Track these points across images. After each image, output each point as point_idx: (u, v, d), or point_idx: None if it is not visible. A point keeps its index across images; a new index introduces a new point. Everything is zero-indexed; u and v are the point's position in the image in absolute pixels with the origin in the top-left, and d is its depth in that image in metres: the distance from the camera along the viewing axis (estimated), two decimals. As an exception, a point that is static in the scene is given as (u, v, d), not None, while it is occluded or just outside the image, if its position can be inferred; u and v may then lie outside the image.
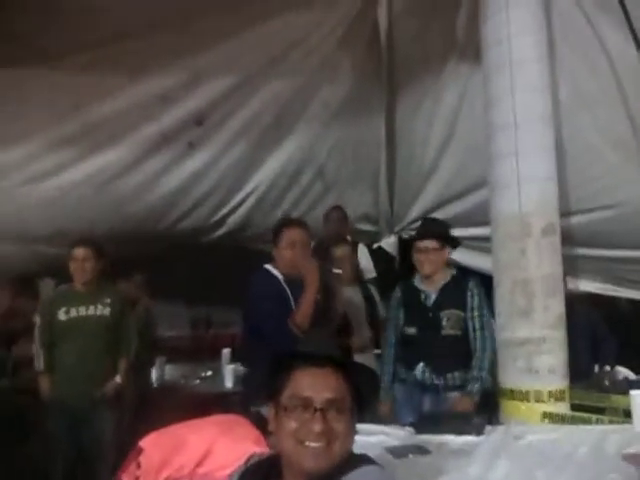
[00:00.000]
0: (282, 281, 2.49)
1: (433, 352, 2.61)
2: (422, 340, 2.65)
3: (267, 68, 3.26)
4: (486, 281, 2.66)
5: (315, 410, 1.01)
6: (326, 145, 3.64)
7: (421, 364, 2.63)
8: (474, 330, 2.57)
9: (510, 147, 2.31)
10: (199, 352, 4.59)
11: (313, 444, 1.00)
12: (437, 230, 2.74)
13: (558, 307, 2.28)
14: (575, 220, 3.39)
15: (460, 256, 3.83)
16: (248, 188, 3.82)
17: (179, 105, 3.34)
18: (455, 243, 2.75)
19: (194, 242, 4.17)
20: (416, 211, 3.87)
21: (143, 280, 4.02)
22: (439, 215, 3.74)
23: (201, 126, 3.47)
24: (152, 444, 1.81)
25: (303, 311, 2.38)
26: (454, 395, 2.56)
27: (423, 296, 2.70)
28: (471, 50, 2.88)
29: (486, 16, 2.46)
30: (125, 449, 1.93)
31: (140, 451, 1.82)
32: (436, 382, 2.59)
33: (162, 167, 3.60)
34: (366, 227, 4.20)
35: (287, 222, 2.61)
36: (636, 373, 3.45)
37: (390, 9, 3.11)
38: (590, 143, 3.02)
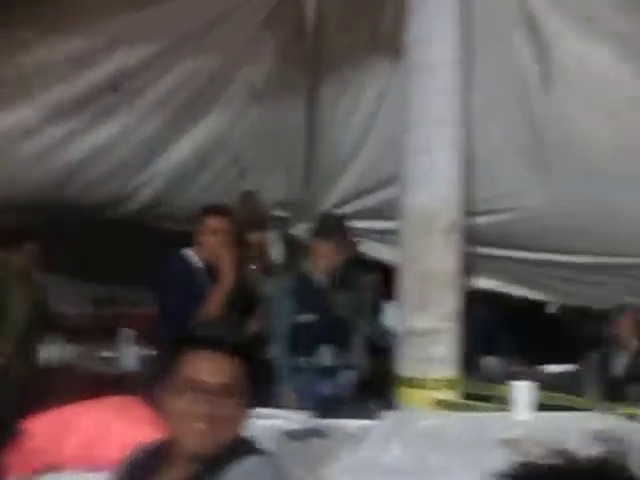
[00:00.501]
0: (200, 268, 2.49)
1: (333, 336, 2.72)
2: (321, 325, 2.74)
3: (188, 41, 3.17)
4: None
5: (205, 392, 1.01)
6: (244, 127, 3.60)
7: (327, 348, 2.71)
8: (360, 311, 2.83)
9: (422, 145, 2.40)
10: (101, 331, 4.40)
11: (198, 425, 1.00)
12: (334, 230, 2.85)
13: (455, 301, 2.41)
14: (479, 220, 3.58)
15: (369, 248, 3.96)
16: (160, 165, 3.71)
17: (94, 70, 3.18)
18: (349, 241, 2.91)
19: (101, 217, 3.99)
20: (332, 201, 3.92)
21: (35, 250, 3.49)
22: (353, 207, 3.85)
23: (115, 93, 3.31)
24: (38, 425, 1.73)
25: (214, 302, 2.39)
26: (349, 373, 2.70)
27: (316, 282, 2.79)
28: (394, 47, 2.94)
29: (409, 16, 2.52)
30: (9, 431, 1.83)
31: (25, 433, 1.73)
32: (337, 364, 2.71)
33: (70, 133, 3.41)
34: (280, 213, 4.21)
35: (211, 209, 2.61)
36: (529, 366, 3.72)
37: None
38: (497, 148, 3.20)
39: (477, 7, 2.78)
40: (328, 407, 2.30)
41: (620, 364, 3.40)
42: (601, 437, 1.76)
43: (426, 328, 2.35)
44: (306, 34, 3.24)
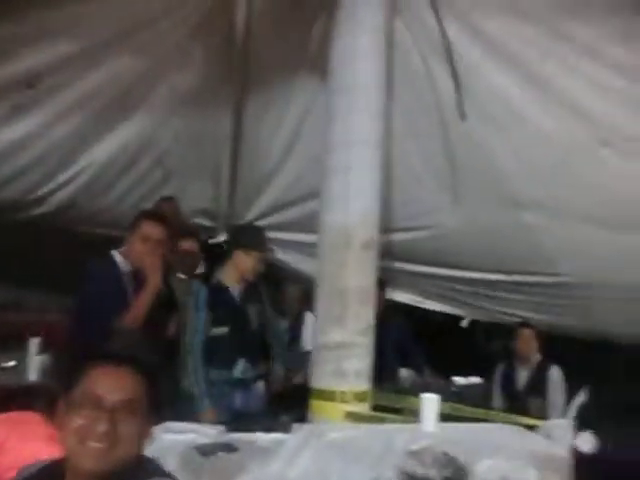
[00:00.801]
0: (126, 274, 2.43)
1: (247, 348, 2.72)
2: (236, 337, 2.74)
3: (114, 42, 3.08)
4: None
5: (104, 410, 0.99)
6: (169, 133, 3.53)
7: (242, 361, 2.71)
8: (269, 323, 2.88)
9: (342, 164, 2.47)
10: (4, 339, 4.14)
11: (95, 444, 0.98)
12: (254, 242, 2.86)
13: (369, 316, 2.49)
14: (396, 237, 3.73)
15: (291, 259, 4.00)
16: (78, 166, 3.56)
17: (11, 62, 3.02)
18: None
19: (10, 217, 3.78)
20: (255, 211, 3.93)
21: None
22: (276, 218, 3.88)
23: (32, 89, 3.16)
24: None
25: (136, 312, 2.35)
26: (260, 385, 2.76)
27: (230, 294, 2.79)
28: (321, 66, 3.00)
29: (335, 37, 2.60)
30: None
31: None
32: (251, 376, 2.72)
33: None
34: (203, 222, 4.16)
35: (147, 215, 2.57)
36: (441, 378, 3.87)
37: (249, 9, 3.12)
38: (414, 169, 3.34)
39: (399, 33, 2.92)
40: (240, 420, 2.29)
41: (523, 378, 3.63)
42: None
43: (340, 342, 2.41)
44: (235, 46, 3.24)
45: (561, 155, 3.13)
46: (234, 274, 2.81)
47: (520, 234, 3.52)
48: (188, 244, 3.25)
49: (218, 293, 2.79)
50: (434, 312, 4.37)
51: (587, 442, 1.37)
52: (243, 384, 2.75)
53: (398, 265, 3.96)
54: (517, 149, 3.19)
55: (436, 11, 2.66)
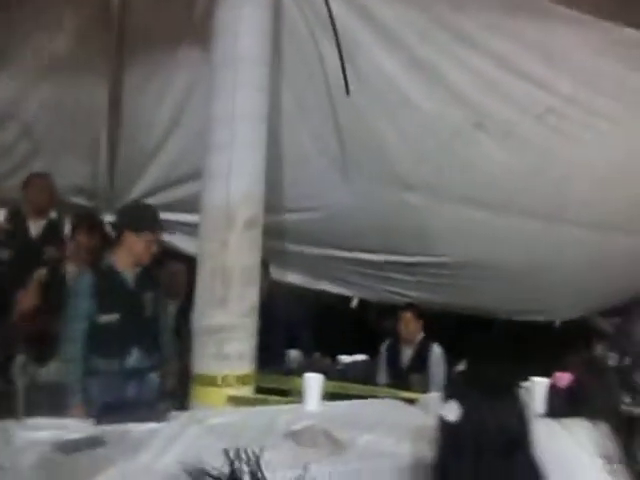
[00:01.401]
0: None
1: (141, 336, 2.55)
2: (128, 325, 2.56)
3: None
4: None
5: None
6: (36, 100, 3.20)
7: (135, 350, 2.53)
8: (159, 311, 2.68)
9: (225, 140, 2.36)
10: None
11: None
12: (147, 222, 2.68)
13: (253, 297, 2.42)
14: (286, 217, 3.68)
15: (178, 241, 3.82)
16: None
17: None
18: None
19: None
20: (138, 190, 3.70)
21: None
22: (161, 198, 3.67)
23: None
24: None
25: (28, 295, 2.10)
26: (154, 376, 2.56)
27: (122, 279, 2.60)
28: (205, 37, 2.86)
29: (218, 8, 2.47)
30: None
31: None
32: (145, 366, 2.55)
33: None
34: (80, 201, 3.86)
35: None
36: (333, 357, 3.89)
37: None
38: (303, 148, 3.30)
39: (287, 9, 2.85)
40: (109, 412, 2.13)
41: (406, 355, 3.76)
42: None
43: (222, 324, 2.33)
44: (112, 12, 2.99)
45: (442, 137, 3.23)
46: (127, 258, 2.59)
47: (406, 215, 3.60)
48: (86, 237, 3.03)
49: (108, 278, 2.57)
50: (324, 293, 4.38)
51: (451, 411, 1.40)
52: (137, 374, 2.58)
53: (287, 246, 3.92)
54: (403, 130, 3.25)
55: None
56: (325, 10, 2.74)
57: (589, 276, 4.01)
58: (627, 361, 3.17)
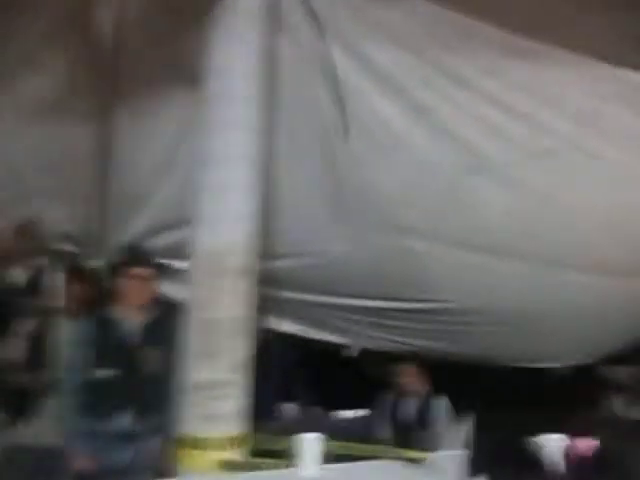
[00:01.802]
0: None
1: (137, 396, 2.35)
2: (124, 383, 2.36)
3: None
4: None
5: None
6: (23, 145, 3.11)
7: (127, 413, 2.33)
8: (167, 368, 2.41)
9: (215, 183, 2.26)
10: None
11: None
12: (149, 257, 2.54)
13: (245, 350, 2.26)
14: (279, 263, 3.55)
15: (169, 289, 3.67)
16: None
17: None
18: (164, 273, 2.59)
19: None
20: (129, 235, 3.56)
21: None
22: (151, 243, 3.54)
23: None
24: None
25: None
26: (155, 440, 2.33)
27: (123, 332, 2.42)
28: (196, 78, 2.80)
29: (209, 46, 2.41)
30: None
31: None
32: (140, 429, 2.34)
33: None
34: (69, 248, 3.71)
35: None
36: (326, 412, 3.69)
37: (116, 12, 2.84)
38: (298, 192, 3.19)
39: (283, 50, 2.81)
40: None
41: (409, 409, 3.56)
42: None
43: (212, 380, 2.15)
44: (102, 53, 2.94)
45: (441, 182, 3.16)
46: (125, 304, 2.43)
47: (404, 260, 3.50)
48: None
49: (106, 328, 2.40)
50: (321, 342, 4.21)
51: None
52: (129, 439, 2.36)
53: (281, 293, 3.78)
54: (400, 175, 3.19)
55: (321, 34, 2.57)
56: (322, 53, 2.71)
57: (591, 321, 3.91)
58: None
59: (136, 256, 2.56)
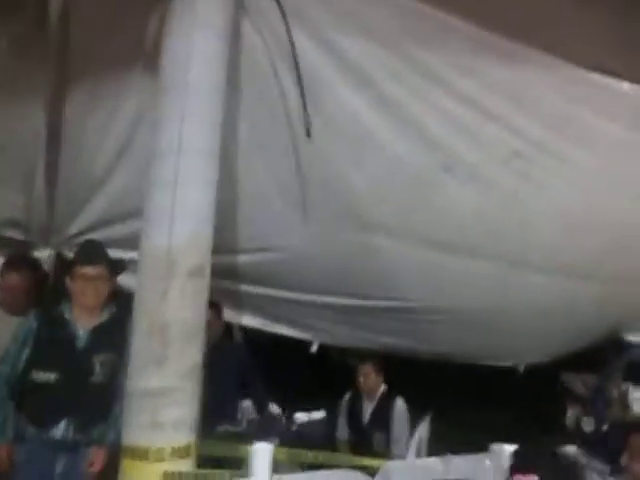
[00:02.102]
0: None
1: (79, 404, 2.20)
2: (64, 390, 2.20)
3: None
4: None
5: None
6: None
7: (64, 421, 2.17)
8: (117, 375, 2.28)
9: (169, 176, 2.11)
10: None
11: None
12: (107, 256, 2.37)
13: (195, 356, 2.14)
14: (242, 257, 3.44)
15: (125, 281, 3.52)
16: None
17: None
18: (121, 269, 2.45)
19: None
20: (79, 225, 3.38)
21: None
22: (106, 233, 3.37)
23: None
24: None
25: None
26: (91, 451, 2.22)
27: (71, 333, 2.26)
28: (157, 64, 2.63)
29: (170, 33, 2.25)
30: None
31: None
32: (78, 439, 2.19)
33: None
34: (15, 235, 3.51)
35: None
36: (290, 408, 3.61)
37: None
38: (261, 186, 3.08)
39: (248, 39, 2.66)
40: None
41: (368, 410, 3.50)
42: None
43: (158, 387, 2.03)
44: (50, 31, 2.72)
45: (409, 179, 3.09)
46: (76, 304, 2.27)
47: (370, 258, 3.44)
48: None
49: (53, 328, 2.23)
50: (282, 337, 4.11)
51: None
52: (67, 448, 2.22)
53: (243, 287, 3.66)
54: (368, 171, 3.10)
55: (284, 16, 2.43)
56: (286, 43, 2.56)
57: (554, 322, 3.95)
58: (604, 427, 2.97)
59: (87, 254, 2.38)
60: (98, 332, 2.32)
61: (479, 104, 2.82)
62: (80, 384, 2.21)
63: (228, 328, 3.78)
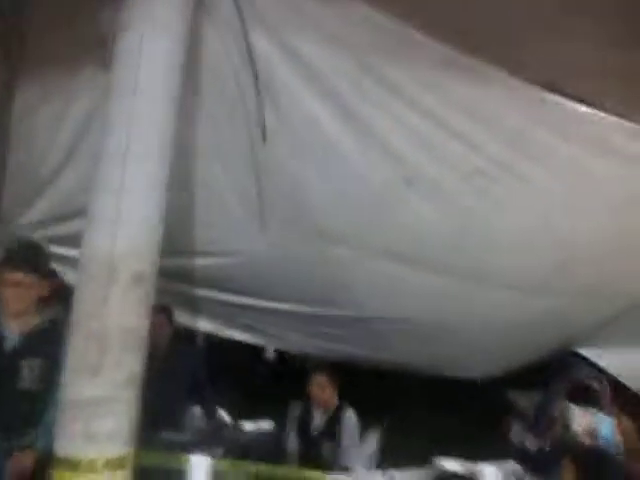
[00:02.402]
0: None
1: (6, 410, 2.11)
2: None
3: None
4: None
5: None
6: None
7: None
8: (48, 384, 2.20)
9: (114, 180, 2.04)
10: None
11: None
12: (34, 260, 2.27)
13: (134, 365, 2.06)
14: (197, 261, 3.37)
15: (70, 278, 3.41)
16: None
17: None
18: (52, 275, 2.34)
19: None
20: (26, 221, 3.26)
21: None
22: (54, 230, 3.26)
23: None
24: None
25: None
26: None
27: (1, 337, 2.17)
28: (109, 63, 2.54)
29: (122, 31, 2.17)
30: None
31: None
32: (6, 445, 2.10)
33: None
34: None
35: None
36: (233, 419, 3.53)
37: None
38: (218, 190, 3.02)
39: (207, 42, 2.60)
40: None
41: (318, 421, 3.44)
42: None
43: (94, 397, 1.96)
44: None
45: (369, 190, 3.07)
46: (6, 310, 2.17)
47: (329, 267, 3.43)
48: None
49: None
50: (236, 342, 4.05)
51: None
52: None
53: (198, 291, 3.60)
54: (328, 180, 3.07)
55: (242, 20, 2.37)
56: (245, 47, 2.51)
57: (509, 336, 4.00)
58: (548, 446, 2.99)
59: (10, 259, 2.27)
60: (30, 337, 2.23)
61: (442, 120, 2.82)
62: (4, 389, 2.12)
63: (190, 333, 3.70)
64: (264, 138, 2.60)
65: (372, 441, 3.41)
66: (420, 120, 2.82)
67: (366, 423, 3.46)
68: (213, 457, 2.21)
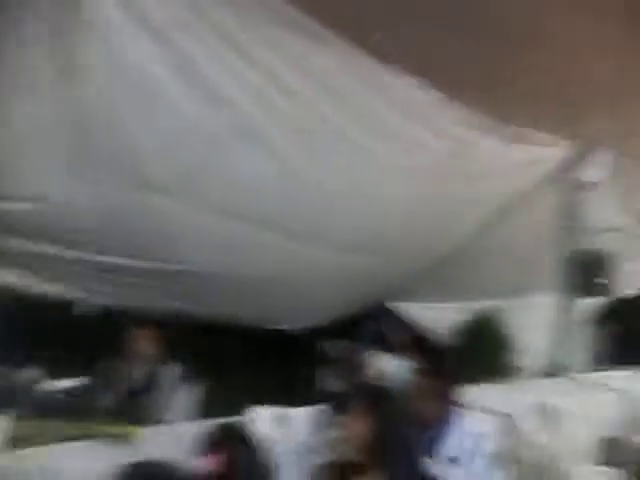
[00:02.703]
0: None
1: None
2: None
3: None
4: None
5: None
6: None
7: None
8: None
9: None
10: None
11: None
12: None
13: None
14: (5, 205, 3.01)
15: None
16: None
17: None
18: None
19: None
20: None
21: None
22: None
23: None
24: None
25: None
26: None
27: None
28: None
29: None
30: None
31: None
32: None
33: None
34: None
35: None
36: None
37: None
38: (25, 129, 2.70)
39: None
40: None
41: (138, 375, 3.35)
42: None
43: None
44: None
45: (197, 141, 2.99)
46: None
47: (152, 219, 3.30)
48: None
49: None
50: (47, 296, 3.73)
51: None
52: None
53: (10, 242, 3.23)
54: (156, 129, 2.92)
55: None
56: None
57: (331, 290, 4.28)
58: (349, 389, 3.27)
59: None
60: None
61: (278, 76, 2.79)
62: None
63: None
64: (84, 77, 2.36)
65: (191, 394, 3.43)
66: (255, 73, 2.76)
67: (188, 376, 3.46)
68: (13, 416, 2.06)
